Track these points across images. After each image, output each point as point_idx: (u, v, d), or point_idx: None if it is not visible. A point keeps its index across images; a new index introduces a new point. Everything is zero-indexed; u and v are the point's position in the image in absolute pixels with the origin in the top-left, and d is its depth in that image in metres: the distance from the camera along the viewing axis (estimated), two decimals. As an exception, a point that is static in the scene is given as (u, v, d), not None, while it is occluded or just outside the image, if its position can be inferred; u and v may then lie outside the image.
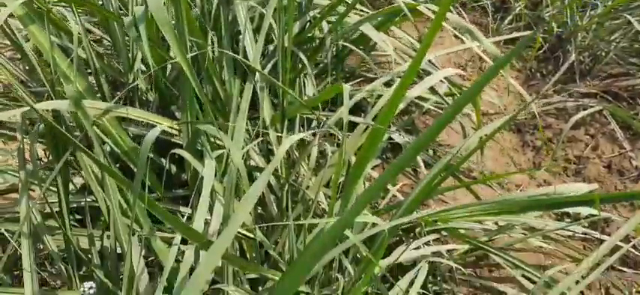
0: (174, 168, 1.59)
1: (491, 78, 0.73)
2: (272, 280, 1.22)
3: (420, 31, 2.33)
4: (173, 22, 1.28)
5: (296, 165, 1.47)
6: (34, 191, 1.38)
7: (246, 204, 0.88)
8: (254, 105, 1.52)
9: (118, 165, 1.35)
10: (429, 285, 1.46)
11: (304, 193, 1.42)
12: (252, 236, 1.29)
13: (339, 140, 1.67)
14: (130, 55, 1.56)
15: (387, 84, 1.66)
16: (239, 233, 1.28)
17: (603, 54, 2.35)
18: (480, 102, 1.81)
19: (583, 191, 1.29)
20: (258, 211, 1.43)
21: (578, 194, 1.26)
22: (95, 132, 1.06)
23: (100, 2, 1.70)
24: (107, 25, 1.56)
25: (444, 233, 1.56)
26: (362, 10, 1.96)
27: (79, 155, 1.09)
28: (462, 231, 1.51)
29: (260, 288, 1.28)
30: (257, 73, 1.42)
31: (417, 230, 1.52)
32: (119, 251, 1.21)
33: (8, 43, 1.40)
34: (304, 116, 1.65)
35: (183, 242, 1.09)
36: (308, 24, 1.85)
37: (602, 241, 1.26)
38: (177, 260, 1.09)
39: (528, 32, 2.51)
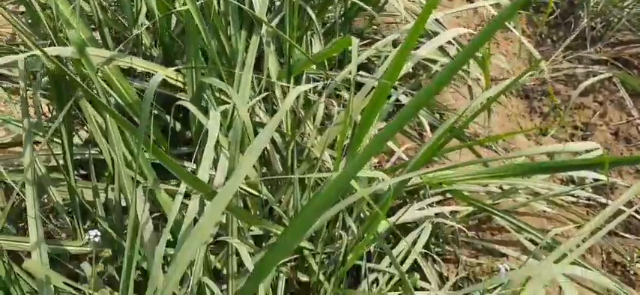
0: (178, 126, 1.58)
1: (495, 30, 0.71)
2: (276, 235, 1.23)
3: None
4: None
5: (301, 123, 1.46)
6: (38, 144, 1.38)
7: (251, 155, 0.87)
8: (259, 64, 1.50)
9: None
10: (432, 246, 1.47)
11: (309, 152, 1.41)
12: (256, 193, 1.29)
13: (345, 101, 1.66)
14: (134, 9, 1.53)
15: (395, 44, 1.64)
16: (243, 190, 1.28)
17: (615, 20, 2.30)
18: (490, 67, 1.78)
19: (592, 147, 1.27)
20: (263, 171, 1.42)
21: (588, 151, 1.24)
22: (99, 81, 1.05)
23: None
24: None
25: (448, 195, 1.55)
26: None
27: (82, 105, 1.08)
28: (466, 194, 1.51)
29: (263, 245, 1.29)
30: (263, 26, 1.39)
31: (421, 192, 1.52)
32: (124, 204, 1.21)
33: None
34: (311, 76, 1.63)
35: (187, 197, 1.09)
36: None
37: (606, 206, 1.26)
38: (181, 214, 1.09)
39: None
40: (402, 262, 1.31)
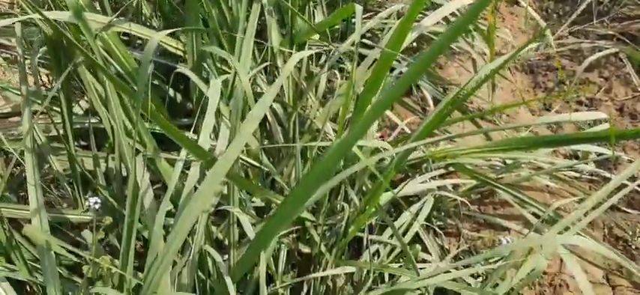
0: (179, 97, 1.57)
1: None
2: (277, 206, 1.22)
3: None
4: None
5: (303, 95, 1.44)
6: (38, 113, 1.37)
7: (252, 121, 0.86)
8: (261, 35, 1.48)
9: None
10: (433, 220, 1.46)
11: (311, 123, 1.40)
12: (257, 164, 1.28)
13: (347, 74, 1.64)
14: (133, -23, 1.51)
15: (400, 16, 1.61)
16: (245, 161, 1.27)
17: (623, -6, 2.26)
18: (495, 41, 1.75)
19: (599, 117, 1.25)
20: (265, 143, 1.41)
21: (593, 124, 1.23)
22: (97, 47, 1.03)
23: None
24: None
25: (451, 169, 1.55)
26: None
27: (81, 72, 1.06)
28: (469, 167, 1.50)
29: (265, 216, 1.28)
30: (265, -6, 1.36)
31: (424, 166, 1.51)
32: (125, 173, 1.21)
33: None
34: (313, 47, 1.61)
35: (187, 168, 1.08)
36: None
37: (609, 181, 1.25)
38: (181, 182, 1.09)
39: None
40: (404, 235, 1.31)
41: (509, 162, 1.57)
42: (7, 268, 0.97)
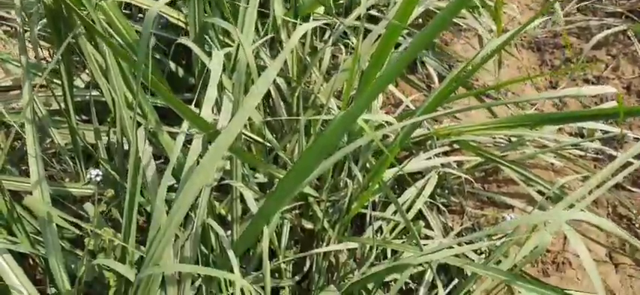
0: (181, 72, 1.55)
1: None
2: (280, 180, 1.21)
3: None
4: None
5: (307, 70, 1.42)
6: (39, 86, 1.35)
7: (255, 95, 0.84)
8: (264, 6, 1.45)
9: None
10: (437, 197, 1.46)
11: (315, 98, 1.38)
12: (261, 140, 1.27)
13: (352, 49, 1.61)
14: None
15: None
16: (248, 136, 1.26)
17: (632, -29, 2.22)
18: (502, 17, 1.72)
19: (607, 91, 1.23)
20: (268, 119, 1.40)
21: (600, 98, 1.21)
22: (97, 17, 1.01)
23: None
24: None
25: (455, 146, 1.53)
26: None
27: (82, 43, 1.05)
28: (474, 145, 1.48)
29: (268, 192, 1.28)
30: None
31: (428, 143, 1.49)
32: (127, 147, 1.20)
33: None
34: (318, 19, 1.58)
35: (188, 142, 1.07)
36: None
37: (614, 160, 1.23)
38: (183, 156, 1.07)
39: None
40: (407, 212, 1.30)
41: (514, 139, 1.55)
42: (9, 240, 0.96)
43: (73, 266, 1.02)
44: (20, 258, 1.00)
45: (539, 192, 1.44)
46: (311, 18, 1.49)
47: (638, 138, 1.60)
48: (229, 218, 1.18)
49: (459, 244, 1.13)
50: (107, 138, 1.23)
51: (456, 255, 1.15)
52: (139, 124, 1.04)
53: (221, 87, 1.12)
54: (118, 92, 1.05)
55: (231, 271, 0.95)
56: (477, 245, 1.21)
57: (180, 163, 1.08)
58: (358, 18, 1.49)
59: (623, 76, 1.90)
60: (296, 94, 1.38)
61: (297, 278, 1.25)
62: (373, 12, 1.74)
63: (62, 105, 1.19)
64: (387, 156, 1.12)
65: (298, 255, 1.24)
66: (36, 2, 1.07)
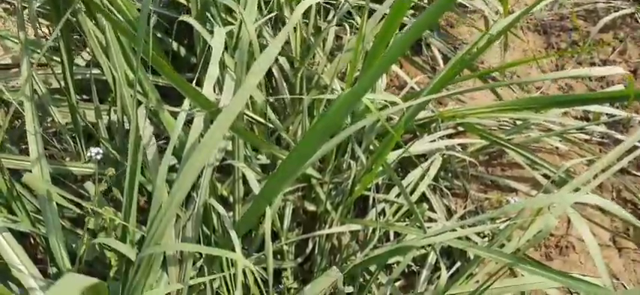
0: (183, 51, 1.53)
1: None
2: (282, 161, 1.20)
3: None
4: None
5: (311, 50, 1.40)
6: (38, 65, 1.33)
7: (257, 72, 0.82)
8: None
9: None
10: (441, 180, 1.44)
11: (319, 79, 1.36)
12: (263, 120, 1.25)
13: (356, 29, 1.59)
14: None
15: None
16: (250, 116, 1.24)
17: (642, -47, 2.17)
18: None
19: (615, 72, 1.21)
20: (271, 100, 1.38)
21: (606, 82, 1.19)
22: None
23: None
24: None
25: (460, 129, 1.52)
26: None
27: (82, 20, 1.03)
28: (479, 127, 1.47)
29: (270, 173, 1.27)
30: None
31: (433, 125, 1.48)
32: (127, 126, 1.18)
33: None
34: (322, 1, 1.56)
35: (190, 121, 1.06)
36: None
37: (620, 144, 1.22)
38: (185, 135, 1.06)
39: None
40: (410, 194, 1.29)
41: (519, 122, 1.54)
42: (9, 219, 0.96)
43: (73, 245, 1.01)
44: (21, 237, 0.99)
45: (544, 176, 1.42)
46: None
47: (644, 122, 1.59)
48: (231, 199, 1.17)
49: (462, 227, 1.12)
50: (108, 117, 1.22)
51: (459, 238, 1.14)
52: (139, 103, 1.03)
53: (223, 65, 1.10)
54: (118, 70, 1.03)
55: (233, 251, 0.94)
56: (480, 229, 1.20)
57: (182, 142, 1.07)
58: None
59: (630, 60, 1.87)
60: (299, 75, 1.36)
61: (299, 259, 1.24)
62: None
63: (62, 83, 1.18)
64: (392, 137, 1.10)
65: (301, 237, 1.23)
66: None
